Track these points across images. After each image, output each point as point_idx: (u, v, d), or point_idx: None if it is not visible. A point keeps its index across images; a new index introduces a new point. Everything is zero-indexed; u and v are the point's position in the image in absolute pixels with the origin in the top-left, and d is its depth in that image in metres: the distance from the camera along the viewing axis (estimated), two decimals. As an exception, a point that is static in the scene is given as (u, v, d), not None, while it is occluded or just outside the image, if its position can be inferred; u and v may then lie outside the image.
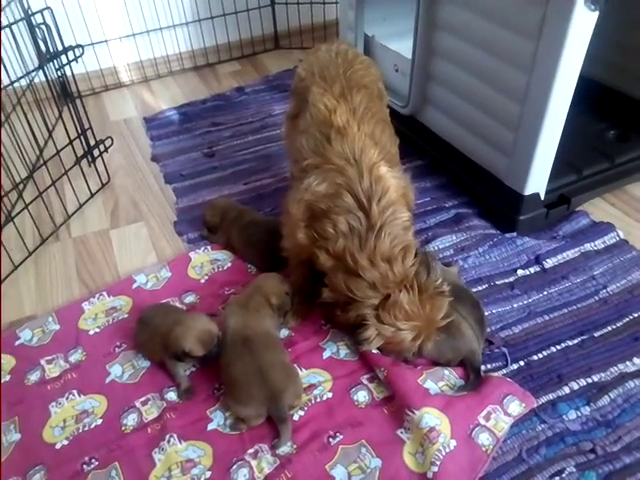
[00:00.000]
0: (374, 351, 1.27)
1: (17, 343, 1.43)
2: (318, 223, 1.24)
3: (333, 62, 1.45)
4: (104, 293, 1.56)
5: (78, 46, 1.79)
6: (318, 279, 1.27)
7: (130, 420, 1.24)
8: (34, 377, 1.35)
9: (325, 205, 1.23)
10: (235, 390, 1.22)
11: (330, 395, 1.26)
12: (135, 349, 1.39)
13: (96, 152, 2.01)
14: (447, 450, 1.10)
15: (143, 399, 1.28)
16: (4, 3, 1.93)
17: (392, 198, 1.22)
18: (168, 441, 1.18)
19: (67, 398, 1.29)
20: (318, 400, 1.25)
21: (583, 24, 1.28)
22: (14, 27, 1.79)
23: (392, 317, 1.15)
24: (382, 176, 1.24)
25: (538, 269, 1.55)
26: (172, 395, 1.28)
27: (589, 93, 1.69)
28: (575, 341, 1.34)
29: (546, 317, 1.41)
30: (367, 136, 1.30)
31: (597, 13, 1.27)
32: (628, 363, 1.28)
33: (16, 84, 1.70)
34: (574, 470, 1.09)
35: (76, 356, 1.39)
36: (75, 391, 1.31)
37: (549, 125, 1.44)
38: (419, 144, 1.99)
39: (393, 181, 1.26)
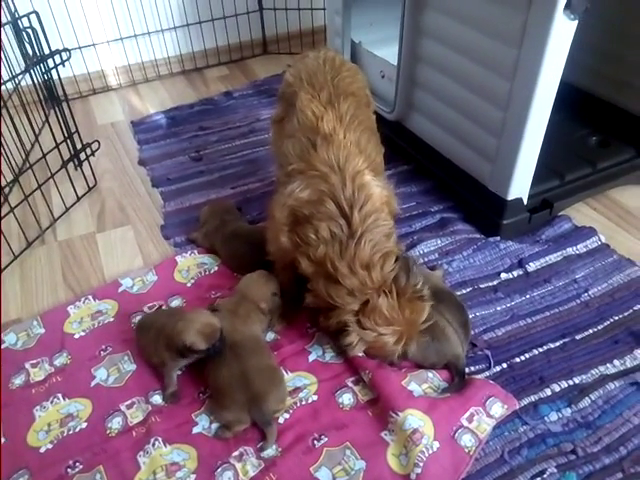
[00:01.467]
0: (359, 354, 1.28)
1: (2, 347, 1.42)
2: (301, 228, 1.24)
3: (321, 69, 1.46)
4: (90, 297, 1.56)
5: (65, 50, 1.79)
6: (303, 283, 1.28)
7: (115, 423, 1.24)
8: (19, 381, 1.34)
9: (308, 211, 1.23)
10: (219, 394, 1.22)
11: (315, 398, 1.26)
12: (140, 354, 1.38)
13: (83, 156, 2.01)
14: (430, 451, 1.11)
15: (128, 402, 1.28)
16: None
17: (374, 206, 1.22)
18: (153, 444, 1.18)
19: (52, 402, 1.29)
20: (303, 403, 1.25)
21: (563, 32, 1.31)
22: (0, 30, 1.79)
23: (372, 322, 1.16)
24: (365, 184, 1.24)
25: (521, 273, 1.57)
26: (157, 398, 1.28)
27: (571, 100, 1.72)
28: (557, 344, 1.36)
29: (529, 320, 1.43)
30: (352, 144, 1.30)
31: (576, 22, 1.29)
32: (608, 365, 1.30)
33: (2, 87, 1.69)
34: (555, 471, 1.11)
35: (61, 360, 1.39)
36: (60, 395, 1.30)
37: (531, 131, 1.46)
38: (405, 149, 2.01)
39: (376, 189, 1.26)
